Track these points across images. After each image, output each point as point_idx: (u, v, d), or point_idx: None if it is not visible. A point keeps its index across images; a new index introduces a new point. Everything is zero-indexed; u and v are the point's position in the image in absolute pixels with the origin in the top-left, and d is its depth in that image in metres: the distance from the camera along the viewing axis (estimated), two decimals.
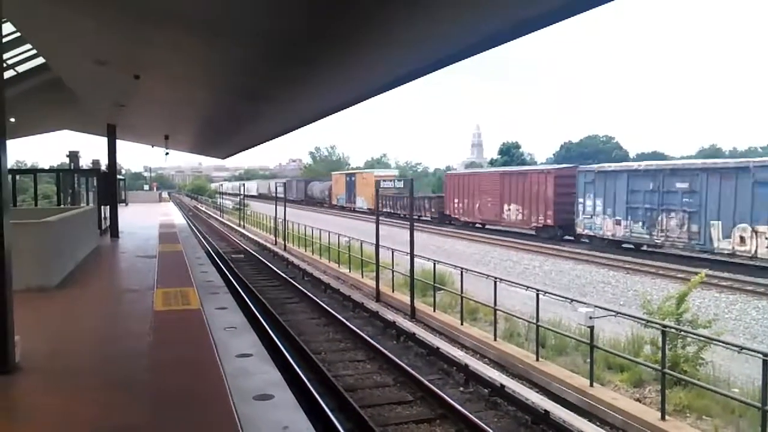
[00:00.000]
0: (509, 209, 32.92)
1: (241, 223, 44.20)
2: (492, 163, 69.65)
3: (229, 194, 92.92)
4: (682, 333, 9.05)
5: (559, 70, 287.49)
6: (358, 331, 12.68)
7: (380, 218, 16.60)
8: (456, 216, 38.79)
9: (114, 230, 18.72)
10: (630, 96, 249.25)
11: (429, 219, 42.45)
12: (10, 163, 6.33)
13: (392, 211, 45.54)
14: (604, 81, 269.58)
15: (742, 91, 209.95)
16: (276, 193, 36.84)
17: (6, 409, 4.80)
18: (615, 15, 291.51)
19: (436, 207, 41.89)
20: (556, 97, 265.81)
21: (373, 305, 15.43)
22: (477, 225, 37.17)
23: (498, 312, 11.72)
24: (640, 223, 23.69)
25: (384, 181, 18.09)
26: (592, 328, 9.09)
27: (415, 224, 35.55)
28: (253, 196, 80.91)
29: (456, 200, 38.86)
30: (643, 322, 9.54)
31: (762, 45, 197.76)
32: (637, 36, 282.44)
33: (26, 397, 5.11)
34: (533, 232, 31.23)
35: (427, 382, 9.32)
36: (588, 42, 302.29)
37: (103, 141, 19.48)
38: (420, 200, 44.15)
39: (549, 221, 29.74)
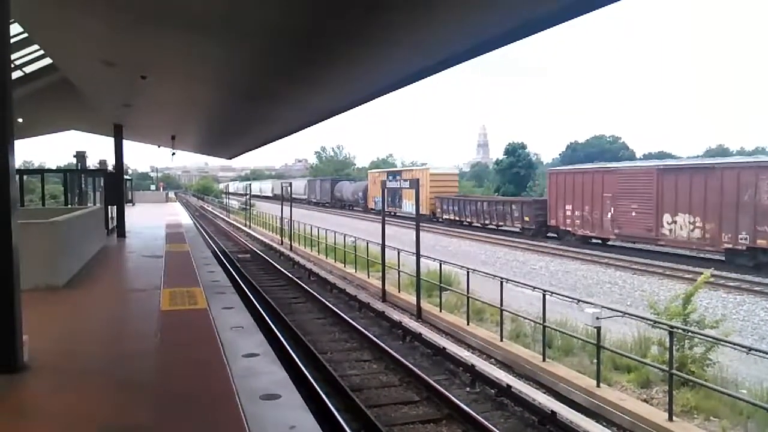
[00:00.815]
0: (673, 222, 22.66)
1: (248, 223, 44.26)
2: (498, 163, 69.06)
3: (238, 194, 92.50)
4: (690, 333, 9.00)
5: (565, 70, 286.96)
6: (364, 330, 12.67)
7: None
8: (567, 228, 28.56)
9: (121, 230, 18.83)
10: (636, 96, 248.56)
11: (519, 230, 32.43)
12: (18, 163, 6.36)
13: (456, 219, 36.85)
14: (610, 81, 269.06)
15: (747, 91, 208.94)
16: (283, 193, 35.82)
17: (13, 409, 4.82)
18: (621, 15, 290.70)
19: (532, 215, 31.29)
20: (562, 98, 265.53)
21: (379, 305, 15.42)
22: (594, 241, 27.27)
23: (504, 312, 11.69)
24: None
25: (390, 181, 17.98)
26: (599, 328, 9.06)
27: (493, 237, 32.48)
28: (267, 197, 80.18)
29: (568, 206, 28.41)
30: (650, 322, 9.49)
31: (765, 44, 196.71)
32: (643, 36, 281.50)
33: (33, 396, 5.13)
34: (720, 257, 21.19)
35: (433, 383, 9.29)
36: (594, 42, 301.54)
37: (110, 141, 19.61)
38: (504, 205, 34.04)
39: (761, 241, 19.52)
